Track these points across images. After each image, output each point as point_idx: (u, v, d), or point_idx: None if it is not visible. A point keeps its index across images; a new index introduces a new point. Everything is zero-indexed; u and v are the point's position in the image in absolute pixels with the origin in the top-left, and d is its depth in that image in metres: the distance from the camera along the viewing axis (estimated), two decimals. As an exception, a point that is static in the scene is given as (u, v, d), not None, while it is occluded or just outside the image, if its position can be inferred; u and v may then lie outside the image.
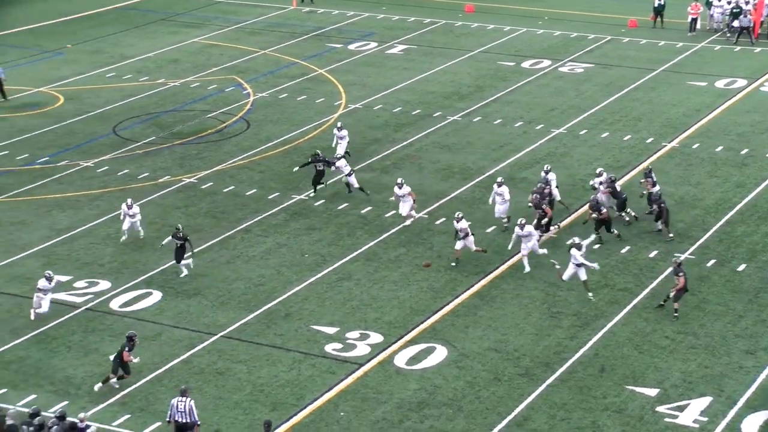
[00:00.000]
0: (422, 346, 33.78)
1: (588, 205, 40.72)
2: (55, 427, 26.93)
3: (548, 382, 31.83)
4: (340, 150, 46.18)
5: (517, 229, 38.07)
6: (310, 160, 44.12)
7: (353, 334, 34.36)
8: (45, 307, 35.03)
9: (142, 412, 30.49)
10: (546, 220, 39.86)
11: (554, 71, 59.60)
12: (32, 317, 34.96)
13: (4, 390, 31.50)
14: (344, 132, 46.96)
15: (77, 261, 39.10)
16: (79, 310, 35.89)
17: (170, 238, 38.02)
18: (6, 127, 52.07)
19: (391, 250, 39.79)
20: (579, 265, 35.82)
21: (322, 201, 43.62)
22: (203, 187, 45.31)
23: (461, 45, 64.60)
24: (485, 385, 31.76)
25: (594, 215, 39.71)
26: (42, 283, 34.97)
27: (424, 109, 54.10)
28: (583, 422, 30.03)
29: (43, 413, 28.29)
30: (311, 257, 39.35)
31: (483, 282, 37.51)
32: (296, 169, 44.79)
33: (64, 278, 37.75)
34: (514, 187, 43.19)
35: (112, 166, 47.46)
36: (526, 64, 60.77)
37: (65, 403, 30.57)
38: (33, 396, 31.12)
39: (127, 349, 31.10)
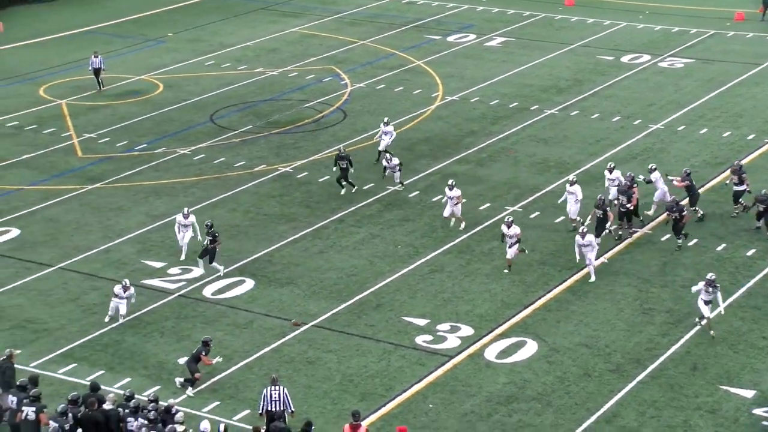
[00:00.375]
0: (513, 339, 33.64)
1: (666, 206, 39.74)
2: (153, 411, 27.30)
3: (639, 378, 31.50)
4: (383, 146, 45.80)
5: (578, 238, 37.07)
6: (335, 158, 43.99)
7: (444, 326, 34.32)
8: (114, 311, 34.63)
9: (231, 399, 30.75)
10: (609, 223, 38.75)
11: (653, 66, 58.90)
12: (106, 320, 34.77)
13: (102, 371, 32.00)
14: (390, 128, 46.48)
15: (171, 248, 39.50)
16: (172, 296, 36.31)
17: (208, 237, 37.24)
18: (108, 115, 52.86)
19: (484, 243, 39.65)
20: (708, 302, 33.52)
21: (416, 192, 43.61)
22: (299, 176, 45.55)
23: (560, 38, 64.16)
24: (575, 380, 31.54)
25: (673, 215, 38.33)
26: (117, 289, 34.65)
27: (521, 102, 53.82)
28: (673, 421, 29.66)
29: (137, 396, 28.68)
30: (404, 248, 39.38)
31: (575, 277, 37.22)
32: (335, 169, 44.25)
33: (158, 264, 38.28)
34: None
35: (209, 154, 47.93)
36: (625, 59, 60.15)
37: (158, 387, 30.96)
38: (128, 379, 31.58)
39: (204, 353, 31.03)
